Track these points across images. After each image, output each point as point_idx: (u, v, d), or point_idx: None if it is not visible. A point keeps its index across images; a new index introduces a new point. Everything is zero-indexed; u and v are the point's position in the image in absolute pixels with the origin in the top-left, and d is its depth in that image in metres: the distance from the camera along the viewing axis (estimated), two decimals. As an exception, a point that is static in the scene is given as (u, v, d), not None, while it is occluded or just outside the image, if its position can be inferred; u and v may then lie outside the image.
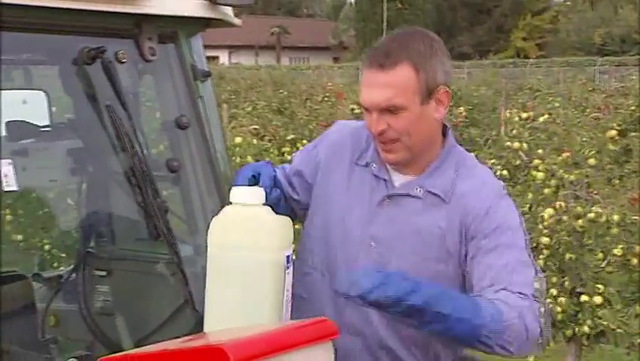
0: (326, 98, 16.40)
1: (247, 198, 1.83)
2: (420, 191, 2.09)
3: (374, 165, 2.14)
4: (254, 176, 2.07)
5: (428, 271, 2.03)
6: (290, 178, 2.29)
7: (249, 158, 7.45)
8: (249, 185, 2.02)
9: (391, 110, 2.00)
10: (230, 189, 1.87)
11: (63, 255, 5.73)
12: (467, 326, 1.84)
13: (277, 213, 1.87)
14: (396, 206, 2.10)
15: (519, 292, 1.96)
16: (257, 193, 1.85)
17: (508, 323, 1.88)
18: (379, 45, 2.06)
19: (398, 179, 2.13)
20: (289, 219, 1.89)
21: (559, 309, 4.67)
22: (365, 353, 2.12)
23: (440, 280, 2.01)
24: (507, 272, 1.98)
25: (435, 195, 2.08)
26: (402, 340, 2.11)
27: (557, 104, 9.22)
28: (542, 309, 2.00)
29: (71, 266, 2.72)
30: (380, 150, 2.10)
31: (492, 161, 6.19)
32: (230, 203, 1.85)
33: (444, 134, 2.16)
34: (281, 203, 2.20)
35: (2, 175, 2.11)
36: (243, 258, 1.77)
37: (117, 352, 1.90)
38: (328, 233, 2.16)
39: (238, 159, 6.97)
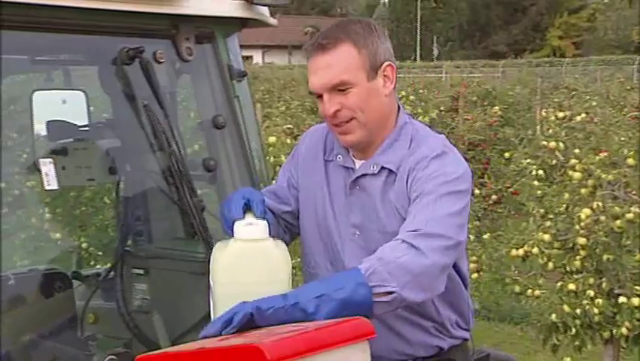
0: (359, 98, 16.35)
1: (255, 234, 1.84)
2: (375, 168, 2.13)
3: (339, 157, 2.21)
4: (246, 204, 1.99)
5: None
6: (279, 193, 2.28)
7: (283, 157, 7.47)
8: (244, 212, 1.95)
9: (340, 88, 2.05)
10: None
11: (100, 253, 5.81)
12: (348, 291, 1.80)
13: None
14: (363, 191, 2.15)
15: (411, 230, 1.94)
16: (263, 228, 1.86)
17: (389, 266, 1.85)
18: (317, 35, 2.13)
19: (358, 165, 2.19)
20: (284, 244, 1.95)
21: (596, 311, 4.61)
22: (381, 327, 2.11)
23: None
24: (414, 218, 1.98)
25: (388, 170, 2.12)
26: (411, 324, 2.14)
27: (594, 103, 9.09)
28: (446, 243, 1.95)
29: (109, 264, 2.75)
30: (337, 134, 2.14)
31: (528, 160, 6.12)
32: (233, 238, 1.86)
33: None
34: (273, 225, 2.15)
35: (43, 174, 2.15)
36: (258, 293, 1.73)
37: (155, 350, 1.92)
38: (320, 230, 2.21)
39: (272, 159, 7.00)
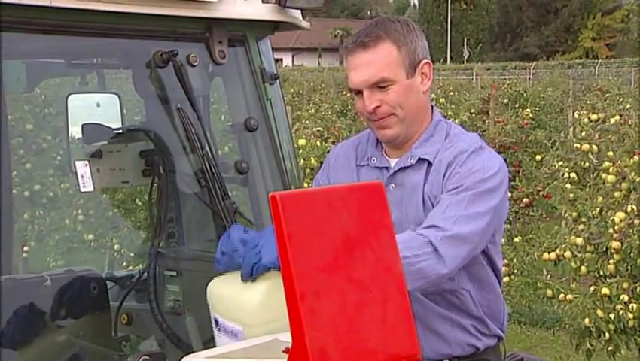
0: (389, 100, 16.32)
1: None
2: (412, 160, 2.18)
3: (374, 159, 2.26)
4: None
5: None
6: None
7: (313, 160, 7.49)
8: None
9: (380, 85, 2.11)
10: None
11: (132, 254, 5.87)
12: None
13: None
14: (399, 187, 2.18)
15: (433, 225, 1.98)
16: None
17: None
18: (357, 32, 2.17)
19: (393, 162, 2.23)
20: None
21: (630, 316, 4.55)
22: (422, 330, 2.13)
23: None
24: (443, 210, 2.02)
25: (427, 161, 2.16)
26: (445, 305, 2.18)
27: (628, 106, 8.98)
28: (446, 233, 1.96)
29: (141, 266, 2.77)
30: (376, 128, 2.19)
31: (560, 163, 6.07)
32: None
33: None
34: None
35: (79, 176, 2.18)
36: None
37: (187, 351, 1.92)
38: None
39: (302, 161, 7.02)
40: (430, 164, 2.16)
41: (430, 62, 2.20)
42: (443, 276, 1.98)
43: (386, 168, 2.23)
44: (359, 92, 2.14)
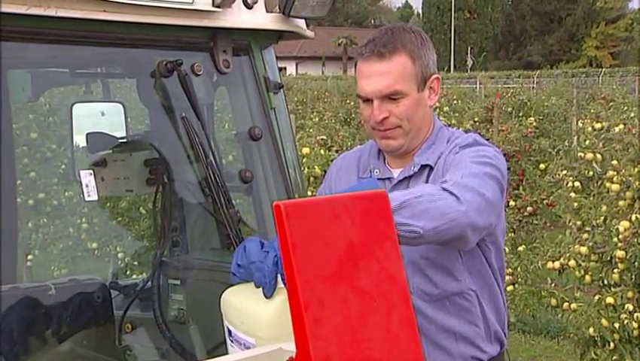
0: (393, 109, 16.33)
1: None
2: (415, 168, 2.19)
3: (376, 170, 2.26)
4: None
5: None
6: None
7: (317, 168, 7.49)
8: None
9: (391, 97, 2.11)
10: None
11: (136, 263, 5.87)
12: None
13: None
14: None
15: (446, 180, 1.95)
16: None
17: (420, 204, 1.79)
18: (371, 39, 2.15)
19: (396, 173, 2.24)
20: None
21: (635, 325, 4.53)
22: (427, 344, 2.13)
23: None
24: (449, 175, 2.00)
25: (429, 167, 2.18)
26: (453, 315, 2.18)
27: (632, 114, 8.97)
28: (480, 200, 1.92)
29: (145, 274, 2.77)
30: (379, 138, 2.19)
31: (564, 172, 6.06)
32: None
33: None
34: None
35: (84, 185, 2.18)
36: None
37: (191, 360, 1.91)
38: None
39: (305, 170, 7.02)
40: (431, 168, 2.17)
41: (439, 76, 2.21)
42: (462, 215, 1.84)
43: (389, 178, 2.24)
44: (368, 100, 2.14)
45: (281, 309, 1.59)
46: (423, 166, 2.18)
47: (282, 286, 1.64)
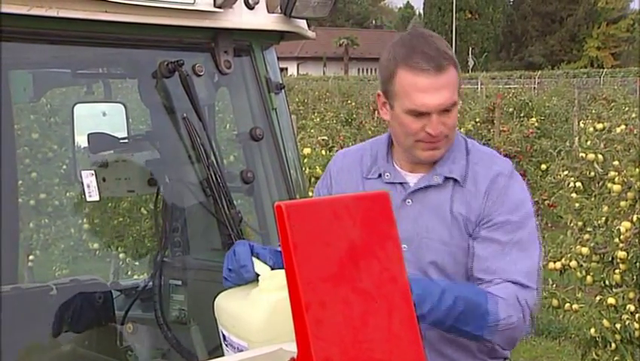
0: (394, 109, 16.34)
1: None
2: (439, 178, 2.14)
3: (387, 174, 2.20)
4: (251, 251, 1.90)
5: (457, 257, 2.10)
6: None
7: (318, 168, 7.49)
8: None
9: (448, 108, 2.06)
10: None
11: (137, 263, 5.87)
12: (467, 335, 2.00)
13: None
14: (418, 203, 2.14)
15: (523, 285, 2.03)
16: None
17: (505, 328, 2.00)
18: (421, 50, 2.04)
19: (412, 179, 2.18)
20: None
21: (636, 326, 4.53)
22: (430, 351, 2.12)
23: (465, 261, 2.11)
24: (513, 258, 2.04)
25: (453, 180, 2.13)
26: (457, 346, 2.15)
27: (634, 115, 8.97)
28: (533, 293, 2.06)
29: (146, 275, 2.77)
30: (425, 150, 2.12)
31: (565, 172, 6.05)
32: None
33: None
34: None
35: (85, 186, 2.18)
36: None
37: None
38: None
39: (307, 170, 7.02)
40: (456, 181, 2.12)
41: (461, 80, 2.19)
42: (523, 330, 2.06)
43: (401, 183, 2.17)
44: (420, 115, 2.05)
45: (272, 312, 1.62)
46: (447, 178, 2.13)
47: (271, 287, 1.66)
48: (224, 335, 1.76)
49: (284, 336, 1.51)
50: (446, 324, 1.93)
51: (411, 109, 2.04)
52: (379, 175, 2.21)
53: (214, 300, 1.81)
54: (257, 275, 1.77)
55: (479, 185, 2.11)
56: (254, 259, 1.81)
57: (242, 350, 1.67)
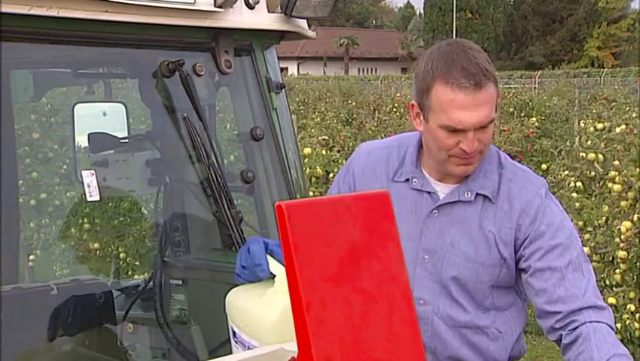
0: (394, 109, 16.38)
1: None
2: (470, 195, 2.09)
3: (415, 180, 2.14)
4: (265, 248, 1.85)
5: (480, 274, 2.06)
6: None
7: (318, 168, 7.50)
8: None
9: (484, 125, 1.99)
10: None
11: (137, 263, 5.88)
12: None
13: None
14: (444, 216, 2.10)
15: (601, 307, 2.01)
16: None
17: None
18: (460, 66, 1.97)
19: (442, 189, 2.13)
20: None
21: (637, 325, 4.54)
22: None
23: (495, 282, 2.07)
24: (565, 285, 2.01)
25: (484, 196, 2.08)
26: (472, 348, 2.12)
27: (634, 115, 8.98)
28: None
29: (146, 274, 2.77)
30: (458, 166, 2.05)
31: (566, 172, 6.06)
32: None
33: None
34: None
35: (85, 186, 2.18)
36: None
37: None
38: None
39: (307, 170, 7.02)
40: (486, 197, 2.08)
41: (500, 93, 2.14)
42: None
43: (429, 192, 2.13)
44: (456, 131, 1.98)
45: (286, 314, 1.59)
46: (478, 194, 2.09)
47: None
48: (234, 332, 1.75)
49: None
50: None
51: (447, 125, 1.98)
52: (407, 180, 2.16)
53: (223, 296, 1.80)
54: (272, 274, 1.74)
55: (513, 203, 2.06)
56: (270, 258, 1.79)
57: (252, 349, 1.66)
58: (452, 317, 2.10)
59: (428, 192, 2.12)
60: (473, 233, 2.07)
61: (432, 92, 1.99)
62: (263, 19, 2.28)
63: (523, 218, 2.04)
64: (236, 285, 1.81)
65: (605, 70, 36.83)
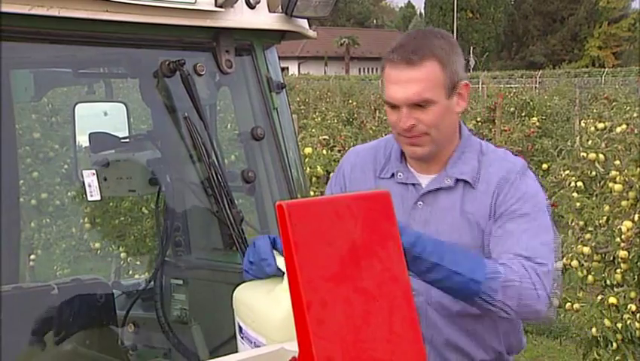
0: (395, 109, 16.35)
1: None
2: (450, 181, 2.13)
3: (400, 174, 2.20)
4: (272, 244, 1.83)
5: None
6: None
7: (319, 168, 7.49)
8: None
9: (420, 104, 2.05)
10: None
11: (138, 263, 5.87)
12: (463, 280, 1.86)
13: None
14: (429, 206, 2.14)
15: (528, 257, 1.96)
16: None
17: (507, 284, 1.89)
18: (401, 44, 2.09)
19: (424, 180, 2.18)
20: None
21: (638, 325, 4.53)
22: (433, 356, 2.12)
23: None
24: (521, 239, 2.00)
25: (465, 181, 2.13)
26: (469, 335, 2.14)
27: (635, 114, 8.97)
28: (553, 275, 2.00)
29: (147, 274, 2.77)
30: (406, 145, 2.14)
31: (567, 172, 6.05)
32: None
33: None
34: None
35: (86, 185, 2.18)
36: None
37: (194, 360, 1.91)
38: None
39: (308, 170, 7.01)
40: (466, 182, 2.12)
41: (468, 82, 2.15)
42: (536, 310, 1.94)
43: (414, 184, 2.18)
44: (395, 107, 2.08)
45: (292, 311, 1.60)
46: (458, 180, 2.13)
47: None
48: (240, 328, 1.75)
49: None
50: (439, 266, 1.84)
51: (386, 100, 2.11)
52: (392, 175, 2.22)
53: (228, 294, 1.80)
54: (280, 270, 1.72)
55: (491, 182, 2.10)
56: (276, 253, 1.77)
57: (258, 345, 1.66)
58: (445, 306, 2.11)
59: (413, 184, 2.18)
60: (456, 219, 2.10)
61: (383, 71, 2.12)
62: (263, 18, 2.28)
63: (498, 192, 2.09)
64: (244, 282, 1.81)
65: (606, 69, 36.82)
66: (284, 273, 1.70)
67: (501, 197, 2.08)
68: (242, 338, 1.75)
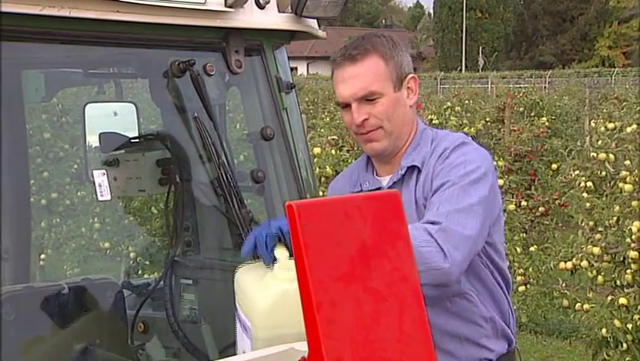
0: (404, 109, 16.34)
1: None
2: (402, 170, 2.19)
3: (366, 183, 2.27)
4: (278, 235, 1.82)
5: None
6: None
7: (328, 168, 7.48)
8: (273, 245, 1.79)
9: (368, 98, 2.12)
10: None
11: (147, 263, 5.89)
12: None
13: None
14: None
15: (434, 222, 1.96)
16: None
17: None
18: (344, 47, 2.20)
19: (385, 182, 2.24)
20: None
21: (648, 326, 4.52)
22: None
23: None
24: (438, 207, 2.01)
25: (414, 167, 2.18)
26: (458, 317, 2.18)
27: (646, 114, 8.93)
28: (475, 239, 1.99)
29: (157, 274, 2.77)
30: (363, 143, 2.20)
31: (576, 172, 6.03)
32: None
33: None
34: None
35: (96, 185, 2.19)
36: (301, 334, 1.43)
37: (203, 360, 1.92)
38: None
39: (317, 170, 7.01)
40: (419, 170, 2.18)
41: (416, 77, 2.23)
42: (445, 271, 1.90)
43: (377, 188, 2.23)
44: (347, 106, 2.17)
45: (279, 301, 1.64)
46: (410, 168, 2.19)
47: (284, 277, 1.65)
48: (236, 308, 1.80)
49: (287, 327, 1.56)
50: None
51: (338, 101, 2.20)
52: (360, 186, 2.29)
53: (232, 296, 1.83)
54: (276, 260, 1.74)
55: (430, 166, 2.15)
56: (278, 243, 1.77)
57: (245, 329, 1.71)
58: (427, 295, 2.10)
59: (377, 189, 2.23)
60: (411, 211, 2.14)
61: None
62: (273, 19, 2.29)
63: (434, 170, 2.13)
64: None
65: (616, 69, 36.64)
66: (276, 260, 1.72)
67: (435, 173, 2.12)
68: (237, 318, 1.79)
